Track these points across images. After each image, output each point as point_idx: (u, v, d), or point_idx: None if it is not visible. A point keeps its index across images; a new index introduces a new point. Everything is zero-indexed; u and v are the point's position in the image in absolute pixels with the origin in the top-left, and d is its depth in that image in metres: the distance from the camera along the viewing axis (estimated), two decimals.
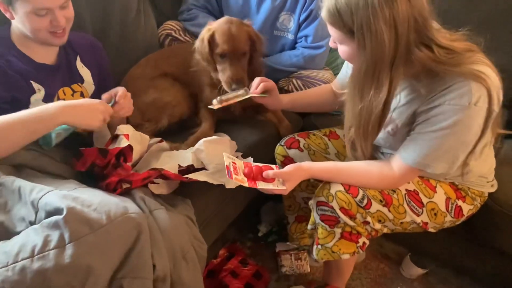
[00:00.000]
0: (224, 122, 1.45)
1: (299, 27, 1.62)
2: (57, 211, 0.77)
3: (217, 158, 1.11)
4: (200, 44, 1.30)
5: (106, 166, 1.00)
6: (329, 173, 1.05)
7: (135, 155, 1.09)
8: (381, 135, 1.04)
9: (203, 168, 1.14)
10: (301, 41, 1.64)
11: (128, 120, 1.29)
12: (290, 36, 1.65)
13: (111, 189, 0.97)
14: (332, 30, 0.92)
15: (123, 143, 1.04)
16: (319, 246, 1.09)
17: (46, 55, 1.15)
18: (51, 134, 0.96)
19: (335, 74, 1.66)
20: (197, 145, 1.17)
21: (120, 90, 1.13)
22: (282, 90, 1.55)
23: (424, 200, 1.04)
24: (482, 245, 1.33)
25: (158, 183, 1.07)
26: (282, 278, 1.50)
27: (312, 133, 1.33)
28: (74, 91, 1.21)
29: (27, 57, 1.10)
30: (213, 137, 1.24)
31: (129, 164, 1.04)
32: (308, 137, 1.31)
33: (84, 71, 1.25)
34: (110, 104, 1.08)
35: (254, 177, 1.03)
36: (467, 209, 1.09)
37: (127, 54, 1.59)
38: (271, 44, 1.62)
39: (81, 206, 0.78)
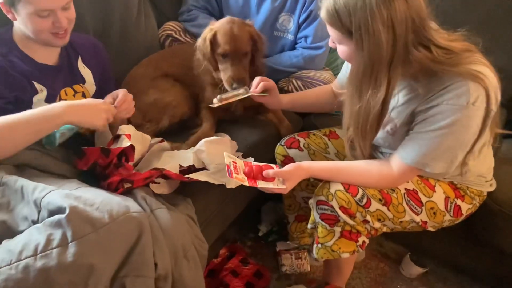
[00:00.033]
0: (225, 122, 1.46)
1: (298, 27, 1.63)
2: (59, 210, 0.77)
3: (217, 158, 1.11)
4: (202, 43, 1.31)
5: (108, 165, 1.01)
6: (329, 172, 1.05)
7: (136, 155, 1.09)
8: (380, 134, 1.05)
9: (204, 168, 1.15)
10: (300, 42, 1.65)
11: (129, 121, 1.30)
12: (290, 37, 1.65)
13: (112, 189, 0.98)
14: (331, 30, 0.93)
15: (125, 143, 1.04)
16: (319, 245, 1.10)
17: (48, 56, 1.16)
18: (55, 134, 0.97)
19: (335, 75, 1.67)
20: (198, 145, 1.17)
21: (120, 94, 1.13)
22: (282, 91, 1.56)
23: (423, 199, 1.05)
24: (482, 244, 1.33)
25: (159, 183, 1.08)
26: (283, 277, 1.50)
27: (312, 133, 1.34)
28: (75, 92, 1.22)
29: (29, 58, 1.11)
30: (214, 137, 1.25)
31: (130, 163, 1.04)
32: (308, 137, 1.32)
33: (86, 72, 1.26)
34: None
35: (255, 176, 1.03)
36: (466, 208, 1.10)
37: (127, 55, 1.60)
38: (271, 44, 1.63)
39: (83, 205, 0.79)
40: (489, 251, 1.33)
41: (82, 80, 1.25)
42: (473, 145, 0.94)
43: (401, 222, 1.05)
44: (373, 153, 1.16)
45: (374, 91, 0.90)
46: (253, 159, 1.20)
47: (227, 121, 1.47)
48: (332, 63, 1.80)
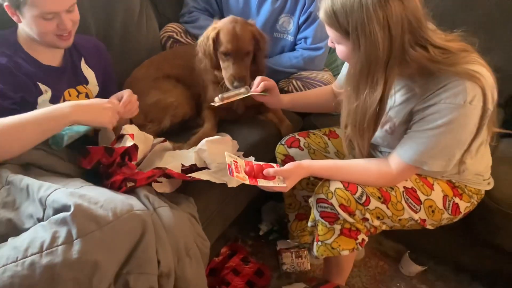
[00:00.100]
0: (226, 122, 1.48)
1: (298, 29, 1.65)
2: (64, 208, 0.78)
3: (219, 157, 1.12)
4: (205, 41, 1.32)
5: (111, 164, 1.02)
6: (329, 171, 1.07)
7: (139, 155, 1.10)
8: (379, 133, 1.06)
9: (206, 167, 1.16)
10: (300, 43, 1.66)
11: (131, 121, 1.31)
12: (290, 38, 1.67)
13: (116, 188, 0.99)
14: (329, 31, 0.95)
15: (128, 142, 1.06)
16: (319, 243, 1.11)
17: (52, 57, 1.17)
18: (63, 136, 0.99)
19: (335, 75, 1.69)
20: (199, 145, 1.19)
21: (125, 95, 1.15)
22: (282, 91, 1.57)
23: (422, 197, 1.06)
24: (481, 243, 1.34)
25: (161, 182, 1.09)
26: (283, 275, 1.52)
27: (312, 133, 1.35)
28: (79, 92, 1.23)
29: (34, 59, 1.13)
30: (215, 137, 1.26)
31: (133, 163, 1.06)
32: (308, 136, 1.33)
33: (89, 73, 1.28)
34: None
35: (255, 175, 1.04)
36: (464, 206, 1.11)
37: (130, 56, 1.61)
38: (271, 46, 1.64)
39: (88, 203, 0.80)
40: (488, 249, 1.34)
41: (85, 81, 1.26)
42: (470, 143, 0.95)
43: (400, 220, 1.07)
44: (372, 152, 1.17)
45: (371, 90, 0.91)
46: (254, 158, 1.21)
47: (228, 121, 1.48)
48: (332, 64, 1.81)
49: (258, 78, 1.25)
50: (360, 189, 1.02)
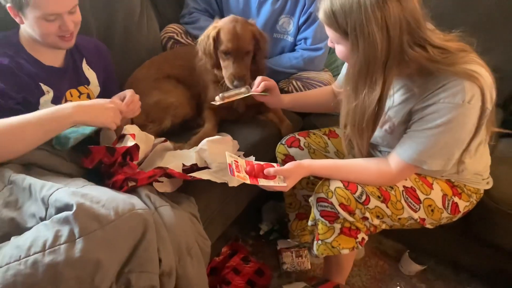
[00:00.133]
0: (226, 122, 1.48)
1: (298, 29, 1.65)
2: (67, 207, 0.79)
3: (220, 157, 1.13)
4: (205, 40, 1.33)
5: (113, 164, 1.02)
6: (329, 170, 1.07)
7: (140, 154, 1.11)
8: (379, 133, 1.07)
9: (207, 167, 1.16)
10: (300, 44, 1.67)
11: (132, 121, 1.32)
12: (290, 39, 1.68)
13: (117, 187, 0.99)
14: (328, 31, 0.95)
15: (129, 142, 1.06)
16: (319, 242, 1.12)
17: (54, 58, 1.18)
18: (69, 139, 0.99)
19: (335, 76, 1.69)
20: (200, 145, 1.19)
21: (128, 95, 1.16)
22: (282, 91, 1.57)
23: (421, 196, 1.07)
24: (480, 242, 1.35)
25: (162, 182, 1.09)
26: (284, 275, 1.52)
27: (312, 132, 1.36)
28: (80, 93, 1.24)
29: (36, 60, 1.13)
30: (216, 136, 1.27)
31: (135, 162, 1.06)
32: (308, 136, 1.34)
33: (90, 73, 1.28)
34: None
35: (256, 175, 1.05)
36: (463, 205, 1.11)
37: (130, 57, 1.62)
38: (271, 46, 1.65)
39: (90, 203, 0.80)
40: (487, 248, 1.35)
41: (87, 82, 1.27)
42: (469, 143, 0.96)
43: (399, 219, 1.07)
44: (371, 151, 1.18)
45: (369, 90, 0.92)
46: (254, 158, 1.22)
47: (229, 121, 1.49)
48: (332, 64, 1.82)
49: (258, 78, 1.26)
50: (360, 188, 1.03)
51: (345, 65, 1.29)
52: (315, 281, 1.38)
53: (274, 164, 1.11)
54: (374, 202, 1.03)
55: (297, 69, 1.66)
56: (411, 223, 1.10)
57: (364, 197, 1.02)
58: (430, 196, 1.07)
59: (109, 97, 1.19)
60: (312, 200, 1.11)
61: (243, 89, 1.26)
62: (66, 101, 1.19)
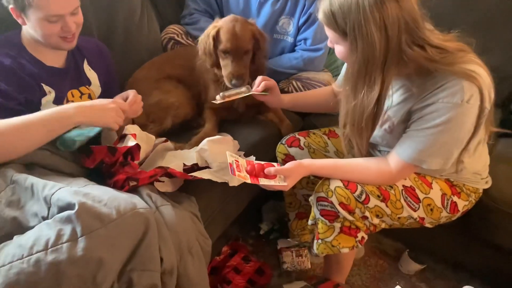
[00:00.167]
0: (227, 122, 1.49)
1: (298, 30, 1.66)
2: (69, 206, 0.79)
3: (220, 157, 1.14)
4: (205, 39, 1.34)
5: (114, 164, 1.03)
6: (329, 170, 1.08)
7: (141, 154, 1.11)
8: (379, 133, 1.07)
9: (207, 167, 1.17)
10: (300, 44, 1.68)
11: (133, 121, 1.33)
12: (290, 39, 1.68)
13: (118, 187, 1.00)
14: (328, 31, 0.96)
15: (130, 142, 1.07)
16: (319, 241, 1.13)
17: (56, 59, 1.19)
18: (74, 142, 1.00)
19: (334, 76, 1.70)
20: (201, 145, 1.20)
21: (130, 95, 1.16)
22: (282, 92, 1.57)
23: (421, 195, 1.07)
24: (479, 241, 1.35)
25: (163, 181, 1.10)
26: (284, 274, 1.53)
27: (312, 132, 1.36)
28: (82, 93, 1.25)
29: (38, 61, 1.14)
30: (216, 136, 1.27)
31: (136, 162, 1.07)
32: (308, 135, 1.34)
33: (91, 74, 1.29)
34: None
35: (256, 174, 1.06)
36: (462, 205, 1.12)
37: (131, 57, 1.62)
38: (271, 47, 1.65)
39: (92, 202, 0.81)
40: (486, 248, 1.35)
41: (88, 82, 1.28)
42: (468, 142, 0.97)
43: (399, 218, 1.08)
44: (371, 151, 1.18)
45: (368, 90, 0.93)
46: (254, 157, 1.22)
47: (229, 121, 1.49)
48: (332, 65, 1.83)
49: (259, 78, 1.27)
50: (359, 188, 1.04)
51: (345, 65, 1.30)
52: (315, 280, 1.38)
53: (275, 164, 1.12)
54: (373, 201, 1.04)
55: (297, 70, 1.67)
56: (410, 222, 1.11)
57: (363, 196, 1.03)
58: (429, 195, 1.08)
59: (110, 97, 1.19)
60: (312, 199, 1.12)
61: (243, 89, 1.27)
62: (67, 101, 1.20)
